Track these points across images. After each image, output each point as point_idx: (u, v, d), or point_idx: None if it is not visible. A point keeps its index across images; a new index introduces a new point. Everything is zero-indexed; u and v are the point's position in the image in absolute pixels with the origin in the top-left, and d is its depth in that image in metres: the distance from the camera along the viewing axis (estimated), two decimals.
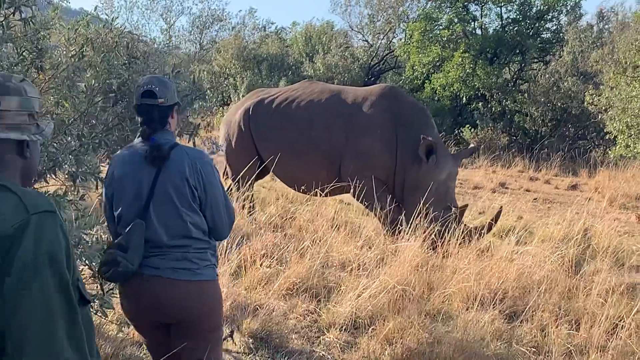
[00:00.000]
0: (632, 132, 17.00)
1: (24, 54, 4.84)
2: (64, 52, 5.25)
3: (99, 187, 4.85)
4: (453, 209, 9.77)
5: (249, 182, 11.48)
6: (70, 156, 4.62)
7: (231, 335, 6.42)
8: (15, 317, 2.21)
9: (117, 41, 5.24)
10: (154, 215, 4.10)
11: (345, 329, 7.03)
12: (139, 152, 4.17)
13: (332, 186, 10.61)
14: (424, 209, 9.61)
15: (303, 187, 11.16)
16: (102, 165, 5.26)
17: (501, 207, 10.12)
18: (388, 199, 10.16)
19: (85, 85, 4.94)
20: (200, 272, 4.17)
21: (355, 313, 7.17)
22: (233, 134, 11.86)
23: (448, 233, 9.26)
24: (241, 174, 11.39)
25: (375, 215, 10.46)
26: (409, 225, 9.56)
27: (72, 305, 2.32)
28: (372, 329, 6.92)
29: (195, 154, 4.23)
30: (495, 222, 9.73)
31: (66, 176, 4.83)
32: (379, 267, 8.38)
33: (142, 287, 4.11)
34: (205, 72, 29.91)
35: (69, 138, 4.80)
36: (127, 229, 4.06)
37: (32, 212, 2.29)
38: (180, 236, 4.14)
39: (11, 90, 2.47)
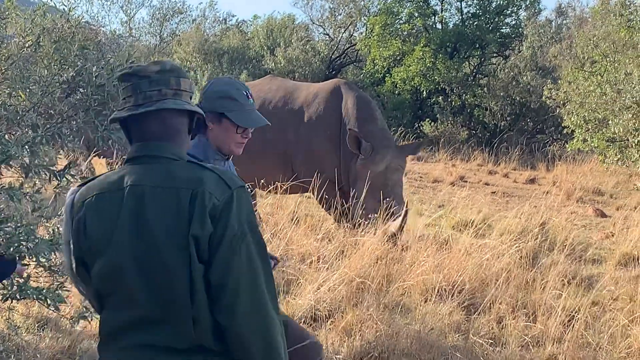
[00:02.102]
0: (589, 127, 17.17)
1: None
2: (20, 42, 5.19)
3: (52, 180, 4.74)
4: (388, 201, 9.56)
5: None
6: (25, 148, 4.50)
7: None
8: (230, 275, 2.56)
9: (74, 32, 5.18)
10: None
11: (304, 322, 7.03)
12: None
13: (289, 184, 10.55)
14: (362, 200, 9.60)
15: (262, 183, 11.11)
16: (58, 158, 5.22)
17: (408, 208, 9.89)
18: (337, 198, 10.15)
19: (38, 76, 4.84)
20: None
21: (314, 306, 7.17)
22: None
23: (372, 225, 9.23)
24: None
25: (331, 215, 10.44)
26: (355, 219, 9.58)
27: (268, 264, 2.70)
28: (331, 321, 6.94)
29: None
30: (404, 222, 9.52)
31: (19, 168, 4.72)
32: (339, 260, 8.40)
33: None
34: None
35: (25, 129, 4.72)
36: None
37: (234, 188, 2.65)
38: None
39: (183, 73, 2.86)
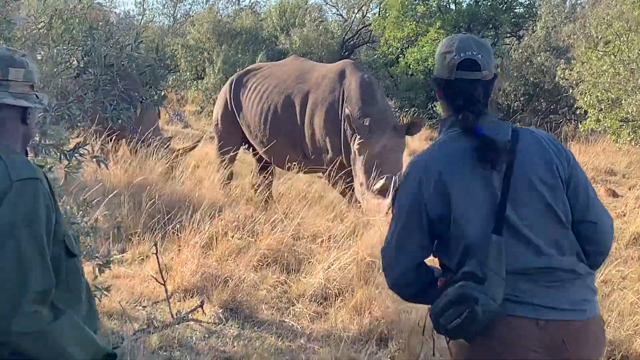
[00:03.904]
0: (602, 107, 17.13)
1: None
2: (33, 23, 5.25)
3: (61, 160, 4.79)
4: (383, 181, 9.53)
5: (232, 152, 11.52)
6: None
7: (201, 306, 6.48)
8: None
9: (86, 13, 5.24)
10: (520, 229, 3.00)
11: (314, 300, 7.12)
12: (464, 149, 3.07)
13: (301, 165, 10.63)
14: (360, 180, 9.66)
15: (277, 163, 11.22)
16: (71, 138, 5.27)
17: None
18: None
19: (48, 56, 4.90)
20: (596, 300, 3.14)
21: (324, 284, 7.25)
22: (219, 105, 12.04)
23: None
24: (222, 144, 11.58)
25: (342, 195, 10.48)
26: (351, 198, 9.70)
27: (45, 262, 2.51)
28: (341, 299, 7.01)
29: (546, 134, 3.24)
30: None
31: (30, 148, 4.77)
32: (350, 240, 8.46)
33: (529, 336, 2.95)
34: (179, 46, 29.68)
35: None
36: (479, 251, 2.96)
37: (15, 180, 2.53)
38: (571, 253, 3.06)
39: (17, 63, 2.74)
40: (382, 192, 9.27)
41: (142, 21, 28.21)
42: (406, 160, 10.32)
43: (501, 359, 2.96)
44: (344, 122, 10.08)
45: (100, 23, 5.27)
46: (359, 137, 9.76)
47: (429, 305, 3.11)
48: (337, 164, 10.17)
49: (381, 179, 9.30)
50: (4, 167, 2.54)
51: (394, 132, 9.93)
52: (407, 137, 10.30)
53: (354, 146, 9.84)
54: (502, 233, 2.96)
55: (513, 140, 3.05)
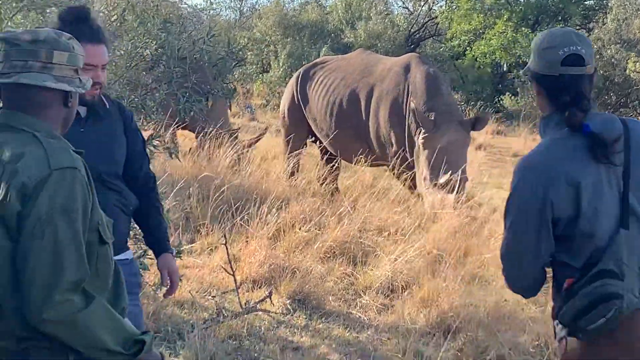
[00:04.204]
0: None
1: None
2: (106, 16, 5.35)
3: None
4: (447, 175, 9.44)
5: (299, 145, 11.59)
6: None
7: (269, 297, 6.53)
8: (28, 260, 2.46)
9: (158, 5, 5.32)
10: None
11: (381, 292, 7.13)
12: (579, 146, 2.98)
13: (367, 158, 10.64)
14: (425, 174, 9.60)
15: (343, 156, 11.26)
16: (144, 129, 5.35)
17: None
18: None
19: (122, 49, 4.98)
20: None
21: (391, 277, 7.25)
22: (286, 98, 12.14)
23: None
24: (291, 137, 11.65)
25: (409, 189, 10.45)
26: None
27: (81, 252, 2.53)
28: (408, 292, 7.01)
29: None
30: (461, 192, 9.39)
31: None
32: (417, 233, 8.45)
33: None
34: (246, 39, 29.87)
35: None
36: (611, 247, 2.91)
37: (54, 168, 2.52)
38: None
39: (62, 46, 2.69)
40: (446, 187, 9.23)
41: (210, 15, 28.39)
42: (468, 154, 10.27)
43: (631, 353, 2.91)
44: (409, 115, 10.06)
45: (173, 17, 5.31)
46: (423, 131, 9.72)
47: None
48: (401, 157, 10.15)
49: (446, 173, 9.26)
50: (43, 154, 2.54)
51: (459, 127, 9.86)
52: (473, 132, 10.24)
53: (419, 140, 9.80)
54: (629, 227, 2.93)
55: (625, 132, 2.99)
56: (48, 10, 5.03)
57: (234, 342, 5.95)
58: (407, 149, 10.16)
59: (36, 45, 2.64)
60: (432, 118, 9.67)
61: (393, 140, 10.32)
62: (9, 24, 4.94)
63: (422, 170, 9.72)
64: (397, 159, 10.12)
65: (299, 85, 11.74)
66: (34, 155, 2.53)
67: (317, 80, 11.46)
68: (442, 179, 9.23)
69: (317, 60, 12.83)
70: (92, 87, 3.24)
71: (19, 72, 2.62)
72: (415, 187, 10.07)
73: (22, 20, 5.19)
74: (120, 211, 3.72)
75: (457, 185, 9.23)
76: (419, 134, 9.79)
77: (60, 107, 2.73)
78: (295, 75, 12.22)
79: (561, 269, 3.06)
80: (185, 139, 13.48)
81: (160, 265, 4.03)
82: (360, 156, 10.66)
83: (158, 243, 4.06)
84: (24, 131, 2.61)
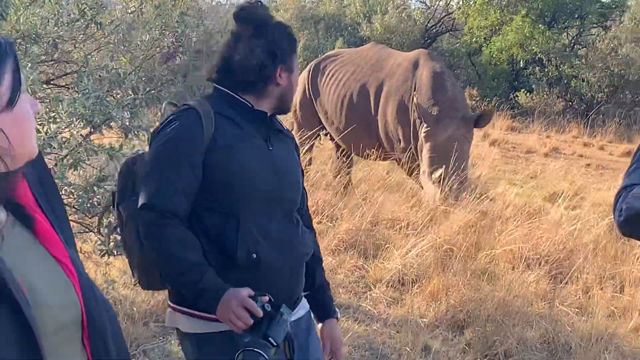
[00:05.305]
0: None
1: (84, 10, 5.00)
2: (124, 8, 5.41)
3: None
4: (441, 170, 9.45)
5: (310, 138, 11.63)
6: (124, 111, 4.64)
7: None
8: None
9: None
10: None
11: (391, 285, 7.18)
12: None
13: (378, 153, 10.68)
14: (424, 168, 9.64)
15: (354, 150, 11.28)
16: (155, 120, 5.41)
17: (467, 176, 9.70)
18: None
19: (139, 41, 5.02)
20: None
21: (401, 270, 7.31)
22: (298, 91, 12.11)
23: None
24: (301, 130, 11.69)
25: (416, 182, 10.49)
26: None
27: None
28: (418, 286, 7.07)
29: None
30: (463, 190, 9.41)
31: (119, 129, 4.87)
32: (428, 227, 8.50)
33: None
34: None
35: (126, 92, 4.91)
36: None
37: None
38: None
39: None
40: (442, 182, 9.28)
41: (228, 7, 28.39)
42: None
43: None
44: (413, 111, 10.10)
45: (191, 9, 5.36)
46: (425, 125, 9.76)
47: None
48: (410, 153, 10.18)
49: (439, 168, 9.32)
50: None
51: (461, 123, 9.86)
52: (487, 128, 10.26)
53: (421, 134, 9.85)
54: None
55: None
56: (64, 1, 5.09)
57: None
58: (413, 145, 10.21)
59: None
60: (434, 113, 9.70)
61: (401, 137, 10.34)
62: (24, 13, 5.01)
63: (423, 164, 9.76)
64: (406, 155, 10.15)
65: (310, 78, 11.76)
66: None
67: (329, 74, 11.48)
68: (436, 174, 9.28)
69: (329, 53, 12.78)
70: None
71: None
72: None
73: (38, 10, 5.24)
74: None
75: (458, 181, 9.29)
76: (422, 128, 9.83)
77: None
78: (307, 68, 12.17)
79: None
80: None
81: (325, 334, 3.37)
82: (371, 150, 10.70)
83: (324, 307, 3.42)
84: None
